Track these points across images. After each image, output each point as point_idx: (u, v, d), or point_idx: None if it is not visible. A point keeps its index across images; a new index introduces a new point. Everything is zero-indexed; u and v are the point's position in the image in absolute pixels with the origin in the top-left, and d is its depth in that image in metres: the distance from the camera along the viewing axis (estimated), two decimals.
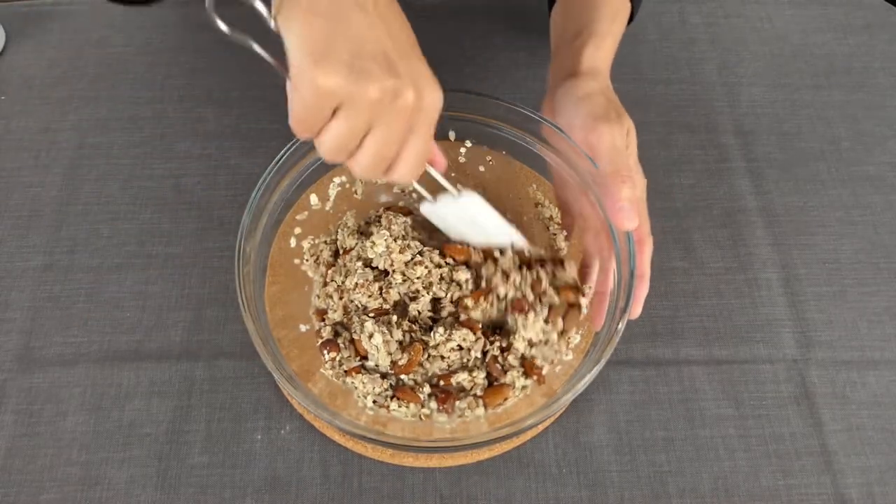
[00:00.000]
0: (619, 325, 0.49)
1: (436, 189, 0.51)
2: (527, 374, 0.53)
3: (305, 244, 0.59)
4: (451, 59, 0.76)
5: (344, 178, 0.60)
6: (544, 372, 0.53)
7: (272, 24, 0.37)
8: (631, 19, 0.60)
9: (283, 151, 0.53)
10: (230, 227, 0.65)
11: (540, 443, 0.56)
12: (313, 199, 0.60)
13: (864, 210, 0.67)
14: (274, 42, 0.37)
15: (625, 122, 0.51)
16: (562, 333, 0.54)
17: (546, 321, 0.53)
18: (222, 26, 0.37)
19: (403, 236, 0.56)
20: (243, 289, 0.49)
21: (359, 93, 0.37)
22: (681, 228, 0.66)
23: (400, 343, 0.53)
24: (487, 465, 0.55)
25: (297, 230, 0.59)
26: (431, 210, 0.53)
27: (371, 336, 0.52)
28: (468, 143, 0.61)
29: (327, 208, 0.60)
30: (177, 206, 0.66)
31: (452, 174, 0.62)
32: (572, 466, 0.55)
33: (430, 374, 0.53)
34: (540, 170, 0.60)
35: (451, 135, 0.61)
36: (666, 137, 0.71)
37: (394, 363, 0.52)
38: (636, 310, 0.51)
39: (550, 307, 0.54)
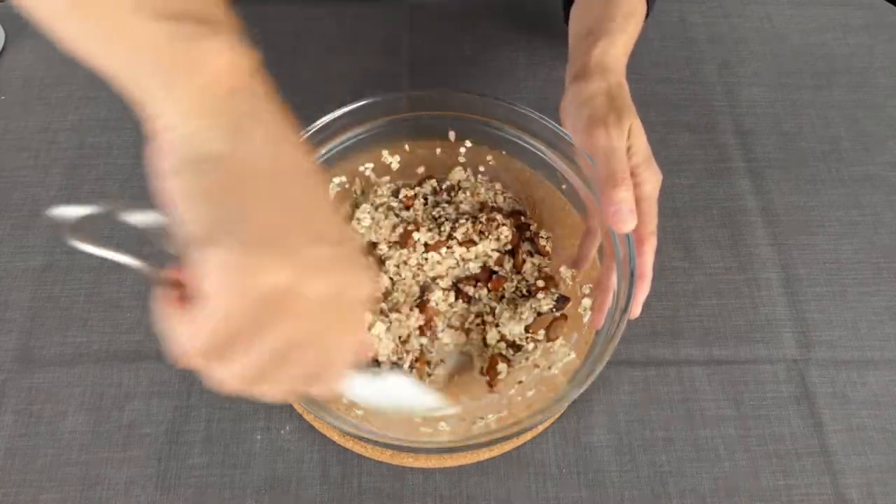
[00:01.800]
0: (619, 326, 0.49)
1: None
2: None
3: None
4: (451, 59, 0.76)
5: (344, 178, 0.60)
6: (500, 378, 0.53)
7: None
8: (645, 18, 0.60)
9: None
10: None
11: (540, 443, 0.56)
12: None
13: (864, 210, 0.67)
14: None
15: (625, 122, 0.51)
16: (545, 340, 0.54)
17: (527, 329, 0.53)
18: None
19: (389, 207, 0.54)
20: None
21: (307, 289, 0.31)
22: (681, 228, 0.66)
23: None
24: (487, 465, 0.55)
25: None
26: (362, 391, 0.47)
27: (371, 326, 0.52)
28: (468, 143, 0.61)
29: None
30: None
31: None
32: (572, 467, 0.55)
33: None
34: (540, 170, 0.60)
35: (451, 135, 0.61)
36: (666, 137, 0.71)
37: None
38: (636, 310, 0.51)
39: (539, 313, 0.54)
